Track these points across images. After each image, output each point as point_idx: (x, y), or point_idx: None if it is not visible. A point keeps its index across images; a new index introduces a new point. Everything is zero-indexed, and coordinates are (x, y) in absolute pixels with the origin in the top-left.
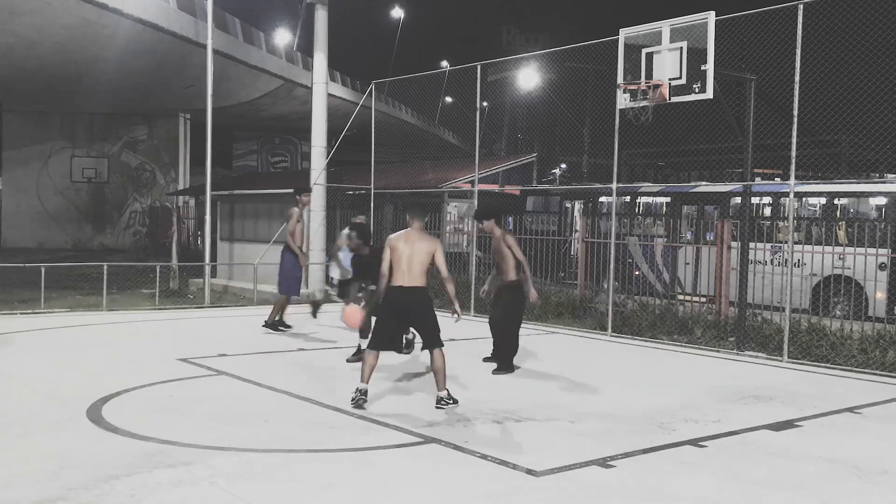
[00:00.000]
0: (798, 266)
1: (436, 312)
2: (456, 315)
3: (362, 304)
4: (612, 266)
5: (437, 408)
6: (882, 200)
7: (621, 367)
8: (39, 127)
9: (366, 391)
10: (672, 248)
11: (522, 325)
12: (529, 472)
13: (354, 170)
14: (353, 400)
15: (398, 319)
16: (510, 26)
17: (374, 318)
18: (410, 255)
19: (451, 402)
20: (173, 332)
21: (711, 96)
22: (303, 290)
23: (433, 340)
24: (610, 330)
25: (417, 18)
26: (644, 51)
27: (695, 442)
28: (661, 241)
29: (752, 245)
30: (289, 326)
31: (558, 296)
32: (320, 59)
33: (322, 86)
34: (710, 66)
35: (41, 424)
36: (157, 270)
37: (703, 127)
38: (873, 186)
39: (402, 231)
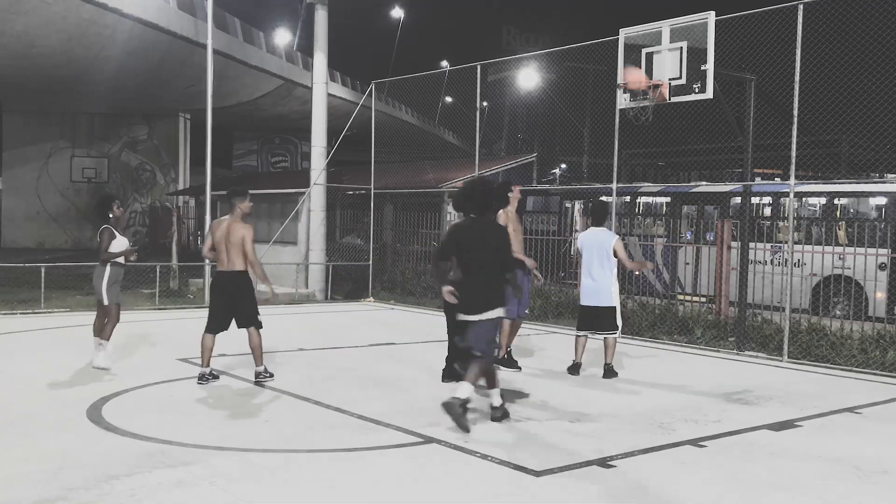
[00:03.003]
0: (798, 266)
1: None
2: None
3: None
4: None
5: (256, 382)
6: (882, 200)
7: (621, 367)
8: (39, 127)
9: (209, 374)
10: (672, 248)
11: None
12: (529, 472)
13: (354, 170)
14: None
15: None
16: (510, 26)
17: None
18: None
19: (270, 375)
20: (173, 331)
21: (711, 96)
22: (302, 291)
23: (251, 320)
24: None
25: (417, 18)
26: (644, 51)
27: (695, 442)
28: (661, 241)
29: (752, 245)
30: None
31: (558, 296)
32: (320, 59)
33: (322, 86)
34: (710, 66)
35: (41, 424)
36: (157, 270)
37: (703, 127)
38: (873, 186)
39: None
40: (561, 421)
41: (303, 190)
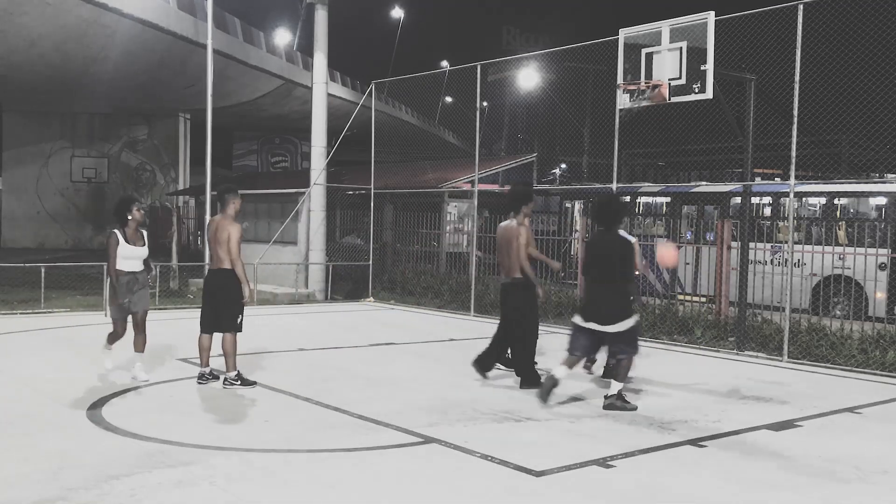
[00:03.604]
0: (798, 266)
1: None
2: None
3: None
4: None
5: (224, 387)
6: (882, 200)
7: None
8: (39, 127)
9: (209, 373)
10: None
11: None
12: (529, 472)
13: (354, 170)
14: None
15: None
16: (510, 26)
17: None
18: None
19: (239, 382)
20: (173, 332)
21: (711, 96)
22: (302, 291)
23: (228, 324)
24: None
25: (417, 18)
26: (644, 51)
27: (695, 442)
28: (661, 241)
29: (752, 245)
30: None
31: (558, 296)
32: (320, 59)
33: (322, 86)
34: (710, 66)
35: (41, 424)
36: (157, 270)
37: (703, 127)
38: (873, 186)
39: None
40: (561, 421)
41: (303, 190)
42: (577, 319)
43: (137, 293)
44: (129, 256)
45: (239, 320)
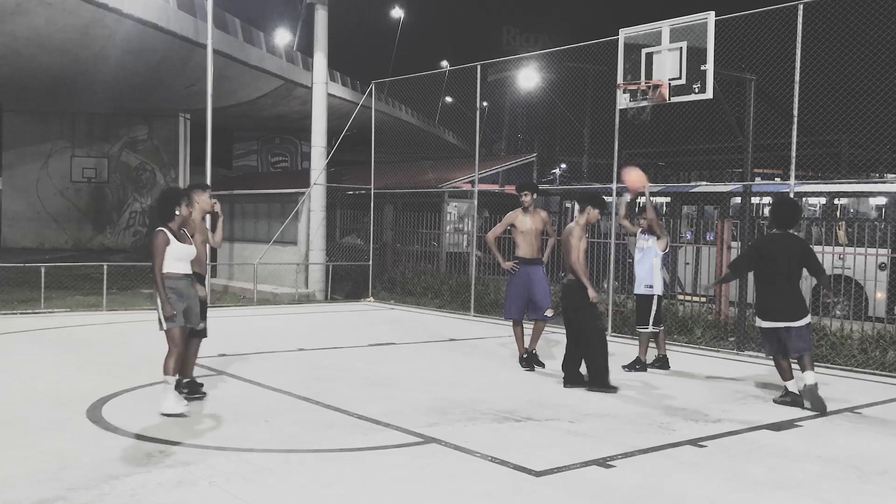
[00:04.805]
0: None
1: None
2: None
3: None
4: (612, 266)
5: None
6: (882, 200)
7: (621, 367)
8: (39, 127)
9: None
10: (672, 248)
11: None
12: (529, 472)
13: (354, 170)
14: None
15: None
16: (510, 26)
17: None
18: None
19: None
20: None
21: (711, 96)
22: (302, 291)
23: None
24: (610, 330)
25: (417, 19)
26: (644, 51)
27: (695, 442)
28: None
29: None
30: None
31: (558, 295)
32: (320, 59)
33: (322, 86)
34: (710, 66)
35: (41, 424)
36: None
37: (703, 127)
38: (873, 186)
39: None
40: (561, 421)
41: (303, 190)
42: (763, 323)
43: (191, 302)
44: (182, 257)
45: (202, 326)
